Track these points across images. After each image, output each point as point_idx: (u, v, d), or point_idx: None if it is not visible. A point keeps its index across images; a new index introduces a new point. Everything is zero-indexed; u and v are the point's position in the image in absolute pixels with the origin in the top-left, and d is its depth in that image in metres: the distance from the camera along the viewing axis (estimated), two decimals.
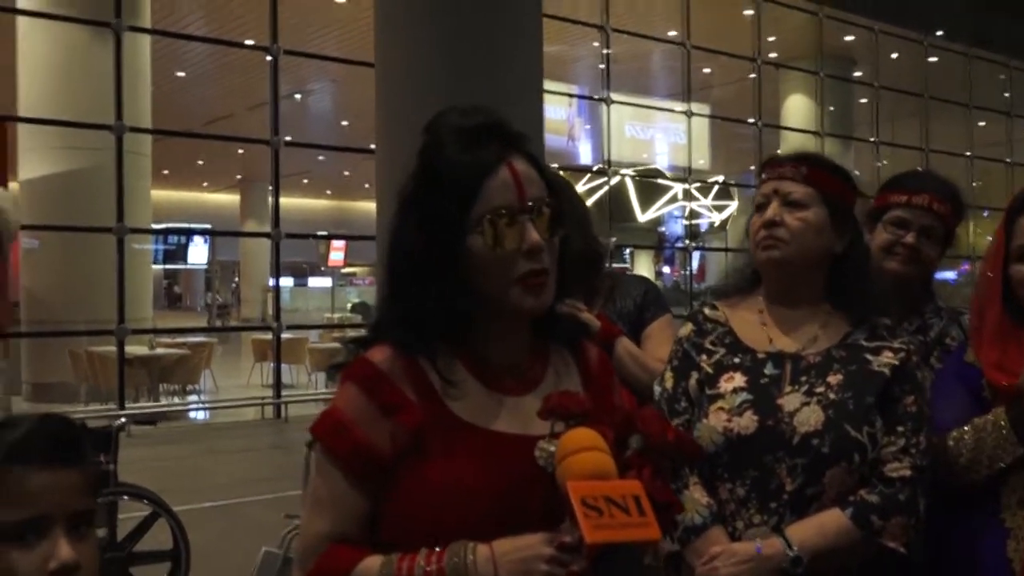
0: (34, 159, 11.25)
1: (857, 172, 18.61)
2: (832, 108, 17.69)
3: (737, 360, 1.86)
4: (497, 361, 1.38)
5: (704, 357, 1.90)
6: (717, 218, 19.14)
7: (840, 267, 1.87)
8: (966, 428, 1.88)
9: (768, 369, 1.83)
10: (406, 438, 1.31)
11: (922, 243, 2.24)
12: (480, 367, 1.37)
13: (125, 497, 4.66)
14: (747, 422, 1.77)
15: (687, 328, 1.97)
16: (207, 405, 12.92)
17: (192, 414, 12.68)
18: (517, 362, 1.40)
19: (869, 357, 1.81)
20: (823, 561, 1.70)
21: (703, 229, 19.29)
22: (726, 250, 16.99)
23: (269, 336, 12.36)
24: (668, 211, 19.06)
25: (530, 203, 1.31)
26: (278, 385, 11.84)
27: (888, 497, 1.72)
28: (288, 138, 11.75)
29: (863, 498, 1.72)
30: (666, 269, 21.46)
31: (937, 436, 1.88)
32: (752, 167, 16.47)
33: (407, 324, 1.34)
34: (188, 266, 29.76)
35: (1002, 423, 1.84)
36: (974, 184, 18.65)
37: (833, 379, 1.79)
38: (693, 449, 1.38)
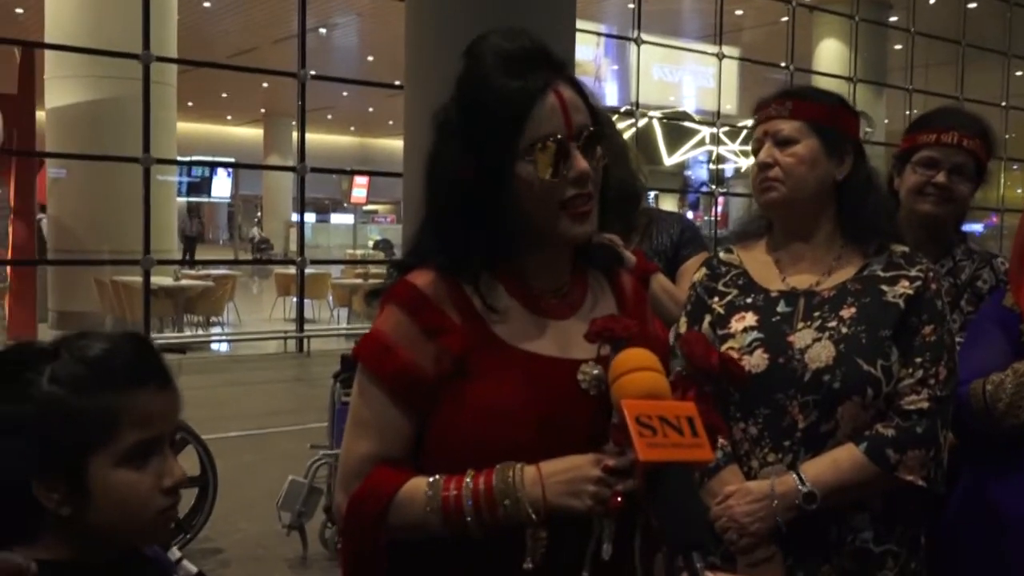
0: (61, 87, 11.24)
1: (887, 120, 18.38)
2: (866, 54, 17.30)
3: (749, 300, 1.85)
4: (539, 286, 1.38)
5: (716, 299, 1.89)
6: (744, 163, 18.86)
7: (846, 194, 1.84)
8: (1007, 373, 1.85)
9: (781, 307, 1.81)
10: (450, 361, 1.30)
11: (954, 181, 2.21)
12: (522, 291, 1.37)
13: None
14: (757, 360, 1.75)
15: (701, 273, 1.97)
16: (234, 337, 13.01)
17: (215, 346, 12.78)
18: (559, 286, 1.40)
19: (884, 288, 1.77)
20: (838, 496, 1.68)
21: (729, 175, 19.07)
22: (751, 196, 16.74)
23: (292, 271, 12.38)
24: (694, 155, 18.79)
25: (577, 130, 1.30)
26: (301, 319, 11.88)
27: (904, 430, 1.69)
28: (314, 72, 11.64)
29: (878, 432, 1.69)
30: (689, 214, 21.27)
31: (975, 381, 1.86)
32: None
33: (451, 251, 1.33)
34: (211, 199, 29.82)
35: None
36: (1008, 136, 18.28)
37: (846, 313, 1.76)
38: (739, 372, 1.36)
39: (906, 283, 1.77)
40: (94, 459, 1.11)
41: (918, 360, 1.73)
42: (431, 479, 1.27)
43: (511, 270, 1.37)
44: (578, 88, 1.34)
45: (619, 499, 1.20)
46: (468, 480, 1.24)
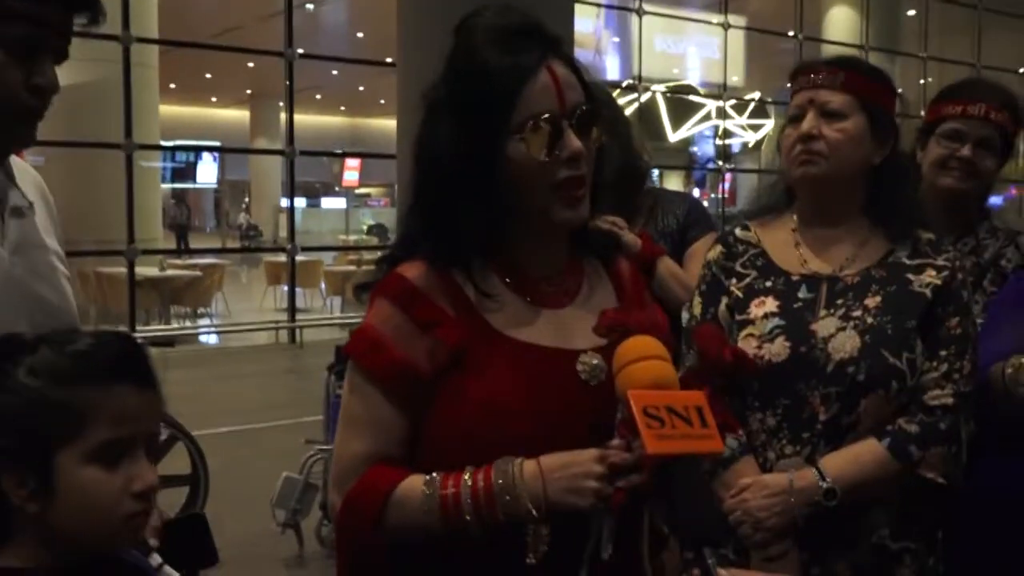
0: None
1: (902, 90, 17.99)
2: (877, 21, 16.94)
3: (769, 284, 1.80)
4: (534, 273, 1.36)
5: (734, 281, 1.84)
6: (752, 138, 18.56)
7: (878, 179, 1.78)
8: None
9: (802, 292, 1.76)
10: (445, 354, 1.28)
11: (979, 155, 2.16)
12: (517, 278, 1.35)
13: None
14: (778, 349, 1.71)
15: (716, 251, 1.90)
16: (223, 328, 12.69)
17: (204, 338, 12.49)
18: (554, 273, 1.38)
19: (910, 276, 1.73)
20: (859, 492, 1.66)
21: (736, 150, 18.74)
22: (759, 171, 16.45)
23: (283, 258, 12.05)
24: (700, 130, 18.50)
25: (570, 108, 1.28)
26: (293, 309, 11.63)
27: (928, 426, 1.67)
28: (301, 51, 11.17)
29: (901, 427, 1.67)
30: (696, 192, 20.93)
31: (995, 364, 1.80)
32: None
33: (441, 237, 1.31)
34: (197, 185, 29.27)
35: None
36: None
37: (871, 302, 1.72)
38: (751, 367, 1.38)
39: (933, 272, 1.74)
40: (63, 453, 1.10)
41: (943, 353, 1.70)
42: (428, 477, 1.25)
43: (503, 257, 1.35)
44: (572, 65, 1.33)
45: (623, 496, 1.18)
46: (467, 477, 1.23)
